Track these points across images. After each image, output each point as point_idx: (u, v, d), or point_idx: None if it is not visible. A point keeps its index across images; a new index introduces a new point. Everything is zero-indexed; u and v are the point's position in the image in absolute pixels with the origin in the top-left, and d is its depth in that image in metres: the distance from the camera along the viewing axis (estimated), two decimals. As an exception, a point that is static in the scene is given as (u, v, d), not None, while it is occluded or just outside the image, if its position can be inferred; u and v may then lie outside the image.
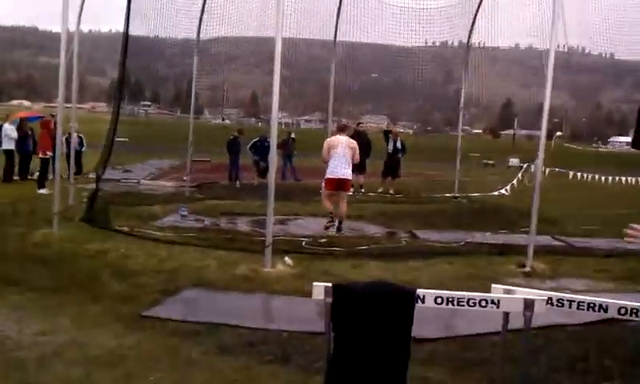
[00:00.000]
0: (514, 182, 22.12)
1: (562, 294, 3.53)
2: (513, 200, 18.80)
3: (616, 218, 14.89)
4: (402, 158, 19.69)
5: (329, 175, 11.58)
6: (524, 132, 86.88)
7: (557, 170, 24.27)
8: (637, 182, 25.41)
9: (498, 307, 3.50)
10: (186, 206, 13.09)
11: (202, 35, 16.61)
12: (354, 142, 11.90)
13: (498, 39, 18.17)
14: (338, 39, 17.36)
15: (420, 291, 3.60)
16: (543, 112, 9.65)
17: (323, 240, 10.61)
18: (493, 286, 3.77)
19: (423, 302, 3.60)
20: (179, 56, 18.95)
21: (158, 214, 12.78)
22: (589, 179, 25.65)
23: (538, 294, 3.54)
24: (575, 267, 9.41)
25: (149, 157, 28.41)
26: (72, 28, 12.20)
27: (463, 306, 3.57)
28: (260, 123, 63.20)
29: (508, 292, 3.64)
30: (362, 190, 18.15)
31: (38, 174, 16.20)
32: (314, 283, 3.74)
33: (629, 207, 17.19)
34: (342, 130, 12.31)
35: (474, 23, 17.61)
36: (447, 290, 7.61)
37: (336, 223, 11.57)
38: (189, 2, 16.04)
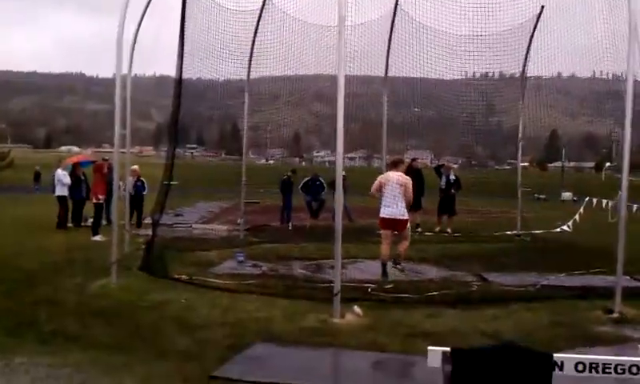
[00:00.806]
0: (576, 217, 21.18)
1: None
2: (577, 236, 17.96)
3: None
4: (457, 194, 19.05)
5: (381, 214, 11.12)
6: (572, 164, 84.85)
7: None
8: None
9: (656, 377, 2.92)
10: (242, 251, 12.72)
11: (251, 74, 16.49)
12: (407, 178, 11.24)
13: (540, 68, 17.72)
14: (376, 74, 17.12)
15: (557, 357, 3.05)
16: (624, 144, 8.92)
17: (389, 285, 10.05)
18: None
19: (562, 369, 3.05)
20: (224, 97, 18.88)
21: (214, 259, 12.44)
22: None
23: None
24: (669, 312, 8.62)
25: (197, 200, 28.34)
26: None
27: (610, 373, 3.00)
28: (303, 163, 63.24)
29: (664, 358, 3.06)
30: (419, 229, 17.55)
31: (91, 220, 16.10)
32: (430, 348, 3.24)
33: None
34: (394, 165, 11.69)
35: (527, 54, 17.19)
36: (535, 340, 7.14)
37: (391, 263, 11.08)
38: (241, 44, 15.93)
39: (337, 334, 7.33)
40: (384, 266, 10.94)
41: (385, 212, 10.99)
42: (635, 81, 9.15)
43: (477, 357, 3.09)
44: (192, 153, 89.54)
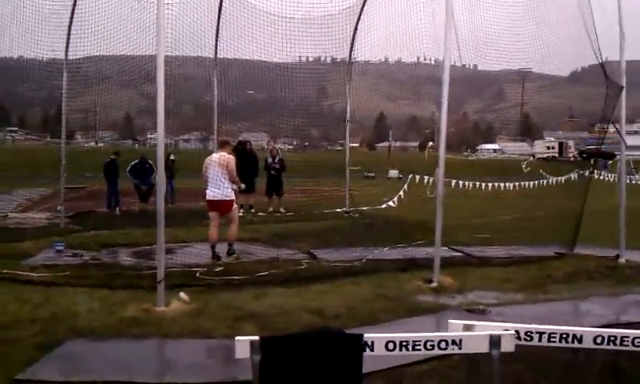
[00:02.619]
0: (401, 193, 22.32)
1: (528, 326, 3.08)
2: (401, 211, 18.91)
3: (501, 224, 15.29)
4: (283, 175, 19.18)
5: (206, 197, 10.97)
6: (398, 144, 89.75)
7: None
8: (509, 187, 26.65)
9: (460, 348, 2.98)
10: (61, 240, 11.75)
11: (70, 55, 15.23)
12: (229, 157, 10.97)
13: (367, 54, 18.34)
14: (208, 55, 16.73)
15: (367, 337, 3.01)
16: (441, 124, 9.41)
17: (219, 268, 9.80)
18: (450, 321, 3.24)
19: (372, 349, 3.02)
20: (46, 78, 17.43)
21: (29, 251, 11.36)
22: (467, 187, 26.51)
23: (500, 328, 3.06)
24: (480, 279, 9.29)
25: (17, 187, 25.88)
26: None
27: (420, 349, 3.02)
28: (136, 145, 60.63)
29: (468, 328, 3.14)
30: (253, 210, 17.48)
31: None
32: (237, 338, 3.05)
33: (511, 213, 17.81)
34: (220, 146, 11.60)
35: (354, 39, 17.60)
36: (359, 313, 7.31)
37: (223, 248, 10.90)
38: (56, 21, 14.65)
39: (160, 323, 6.96)
40: (213, 248, 10.72)
41: (209, 194, 10.79)
42: (452, 66, 9.62)
43: (286, 344, 2.97)
44: (12, 136, 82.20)
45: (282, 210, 18.23)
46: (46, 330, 6.63)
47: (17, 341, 6.28)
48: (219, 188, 10.69)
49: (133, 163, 19.07)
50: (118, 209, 18.32)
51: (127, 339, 6.46)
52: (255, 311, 7.40)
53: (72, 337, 6.41)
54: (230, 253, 10.88)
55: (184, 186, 20.87)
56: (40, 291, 8.30)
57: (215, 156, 10.99)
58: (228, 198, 10.85)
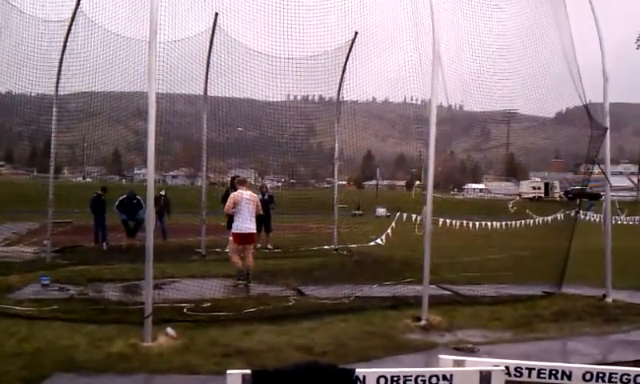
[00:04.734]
0: (389, 231, 22.38)
1: (518, 362, 3.10)
2: (389, 249, 18.94)
3: (489, 263, 15.36)
4: (272, 211, 19.19)
5: (235, 230, 11.81)
6: (385, 182, 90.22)
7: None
8: (496, 226, 26.83)
9: (451, 383, 3.00)
10: (47, 274, 11.64)
11: (60, 90, 15.30)
12: (256, 197, 12.35)
13: (355, 93, 18.56)
14: (198, 93, 16.89)
15: (360, 371, 3.03)
16: (429, 163, 9.50)
17: (207, 304, 9.74)
18: (440, 357, 3.26)
19: (364, 383, 3.03)
20: (35, 113, 17.47)
21: (15, 284, 11.25)
22: (455, 225, 26.65)
23: (491, 364, 3.09)
24: (469, 317, 9.30)
25: (3, 220, 25.62)
26: None
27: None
28: (124, 180, 60.47)
29: (459, 363, 3.16)
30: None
31: None
32: (229, 371, 3.07)
33: (499, 251, 17.91)
34: (242, 184, 12.42)
35: (342, 78, 17.83)
36: (348, 350, 7.28)
37: (244, 275, 11.77)
38: (48, 57, 14.73)
39: (147, 358, 6.90)
40: (241, 272, 11.84)
41: (246, 228, 11.79)
42: (439, 106, 9.77)
43: (278, 378, 2.97)
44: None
45: (269, 246, 18.19)
46: (31, 363, 6.56)
47: (2, 374, 6.22)
48: (252, 223, 11.91)
49: (121, 198, 18.97)
50: (105, 244, 18.18)
51: (114, 374, 6.40)
52: (243, 348, 7.35)
53: (58, 371, 6.34)
54: (248, 280, 11.77)
55: (172, 221, 20.79)
56: (26, 325, 8.21)
57: (246, 194, 11.93)
58: (255, 232, 12.44)
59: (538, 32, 11.55)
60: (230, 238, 12.13)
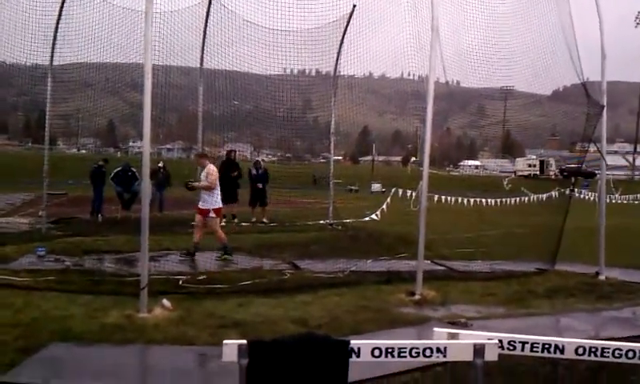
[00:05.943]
0: (384, 207, 22.42)
1: (512, 335, 3.13)
2: (384, 225, 18.98)
3: (484, 239, 15.41)
4: (266, 185, 19.20)
5: (219, 205, 11.93)
6: (381, 158, 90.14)
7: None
8: (491, 203, 26.87)
9: (444, 356, 3.03)
10: (43, 245, 11.65)
11: (54, 61, 15.17)
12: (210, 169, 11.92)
13: (352, 68, 18.43)
14: (194, 65, 16.77)
15: (354, 343, 3.05)
16: (425, 139, 9.50)
17: (202, 277, 9.78)
18: (434, 330, 3.29)
19: (359, 355, 3.06)
20: (29, 83, 17.29)
21: (10, 255, 11.24)
22: (450, 202, 26.68)
23: (484, 337, 3.11)
24: (462, 292, 9.38)
25: (-2, 191, 25.57)
26: None
27: (405, 357, 3.06)
28: (119, 153, 60.33)
29: (453, 336, 3.19)
30: (236, 220, 17.46)
31: None
32: (225, 341, 3.08)
33: (493, 228, 17.97)
34: (206, 157, 12.47)
35: (339, 52, 17.70)
36: (343, 323, 7.34)
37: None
38: (43, 26, 14.56)
39: (143, 329, 6.95)
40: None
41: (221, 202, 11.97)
42: (436, 82, 9.73)
43: (274, 349, 3.00)
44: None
45: (265, 220, 18.22)
46: (27, 333, 6.58)
47: (-2, 344, 6.24)
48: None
49: (116, 170, 18.94)
50: (100, 215, 18.17)
51: (109, 345, 6.43)
52: (238, 320, 7.40)
53: (54, 341, 6.37)
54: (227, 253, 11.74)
55: (168, 194, 20.76)
56: (22, 295, 8.22)
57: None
58: (203, 207, 11.91)
59: (537, 8, 11.49)
60: (213, 214, 11.74)
